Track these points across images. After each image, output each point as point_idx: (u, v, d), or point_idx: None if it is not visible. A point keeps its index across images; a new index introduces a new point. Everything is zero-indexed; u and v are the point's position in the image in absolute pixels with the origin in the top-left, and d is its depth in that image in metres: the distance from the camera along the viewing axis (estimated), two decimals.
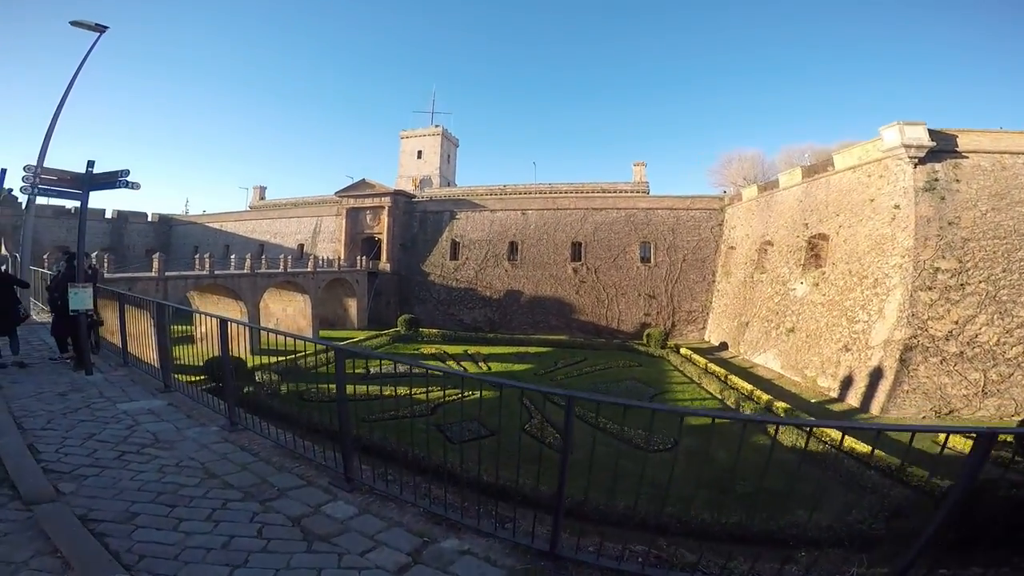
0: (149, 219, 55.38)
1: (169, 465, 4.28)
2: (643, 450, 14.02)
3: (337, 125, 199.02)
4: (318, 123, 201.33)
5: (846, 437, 12.84)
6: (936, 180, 21.38)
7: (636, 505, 8.65)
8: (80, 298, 7.03)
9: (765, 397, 19.95)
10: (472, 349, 30.53)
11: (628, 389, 22.76)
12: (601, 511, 8.60)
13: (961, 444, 9.43)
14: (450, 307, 40.69)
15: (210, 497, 3.75)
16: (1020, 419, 17.35)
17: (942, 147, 21.42)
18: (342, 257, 41.45)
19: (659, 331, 33.22)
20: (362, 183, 45.02)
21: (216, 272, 26.98)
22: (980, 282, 20.04)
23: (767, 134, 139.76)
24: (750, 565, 3.99)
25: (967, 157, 21.47)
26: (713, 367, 25.32)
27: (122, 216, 52.24)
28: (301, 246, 47.34)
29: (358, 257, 41.13)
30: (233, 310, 27.72)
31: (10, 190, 10.37)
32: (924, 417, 18.71)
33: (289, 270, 31.94)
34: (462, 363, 27.50)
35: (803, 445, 13.40)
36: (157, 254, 25.02)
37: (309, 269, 33.77)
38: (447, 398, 17.63)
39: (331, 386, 4.25)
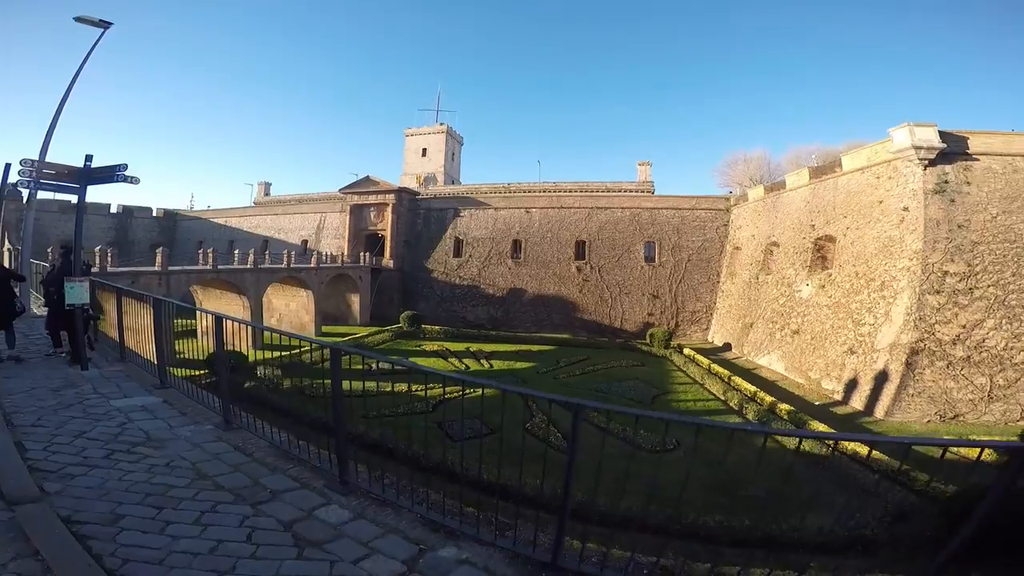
0: (154, 214, 55.39)
1: (159, 465, 4.17)
2: (648, 452, 13.85)
3: (342, 122, 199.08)
4: (323, 120, 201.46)
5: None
6: (946, 182, 21.09)
7: (644, 510, 8.50)
8: (76, 292, 6.93)
9: (768, 399, 19.70)
10: (475, 346, 30.41)
11: (631, 389, 22.59)
12: (604, 513, 8.43)
13: (965, 450, 9.22)
14: (453, 304, 40.63)
15: (200, 499, 3.64)
16: None
17: (952, 149, 21.13)
18: (346, 253, 41.41)
19: (662, 331, 33.02)
20: (366, 180, 45.01)
21: (219, 267, 26.98)
22: (989, 286, 19.77)
23: (774, 134, 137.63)
24: (766, 573, 3.84)
25: (978, 159, 21.17)
26: (716, 368, 25.07)
27: (127, 211, 52.28)
28: (305, 242, 47.29)
29: (361, 253, 41.00)
30: (236, 305, 27.70)
31: (14, 185, 10.37)
32: (928, 421, 18.53)
33: (292, 265, 31.84)
34: (464, 360, 27.38)
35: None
36: (160, 249, 25.01)
37: (312, 265, 33.69)
38: (448, 395, 17.51)
39: (327, 382, 4.12)
